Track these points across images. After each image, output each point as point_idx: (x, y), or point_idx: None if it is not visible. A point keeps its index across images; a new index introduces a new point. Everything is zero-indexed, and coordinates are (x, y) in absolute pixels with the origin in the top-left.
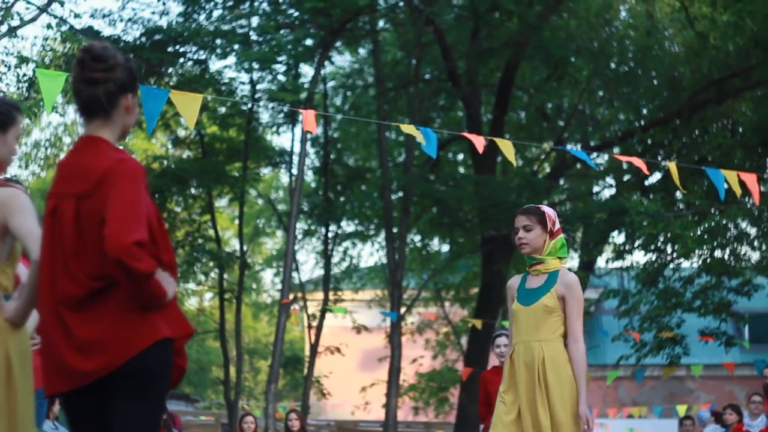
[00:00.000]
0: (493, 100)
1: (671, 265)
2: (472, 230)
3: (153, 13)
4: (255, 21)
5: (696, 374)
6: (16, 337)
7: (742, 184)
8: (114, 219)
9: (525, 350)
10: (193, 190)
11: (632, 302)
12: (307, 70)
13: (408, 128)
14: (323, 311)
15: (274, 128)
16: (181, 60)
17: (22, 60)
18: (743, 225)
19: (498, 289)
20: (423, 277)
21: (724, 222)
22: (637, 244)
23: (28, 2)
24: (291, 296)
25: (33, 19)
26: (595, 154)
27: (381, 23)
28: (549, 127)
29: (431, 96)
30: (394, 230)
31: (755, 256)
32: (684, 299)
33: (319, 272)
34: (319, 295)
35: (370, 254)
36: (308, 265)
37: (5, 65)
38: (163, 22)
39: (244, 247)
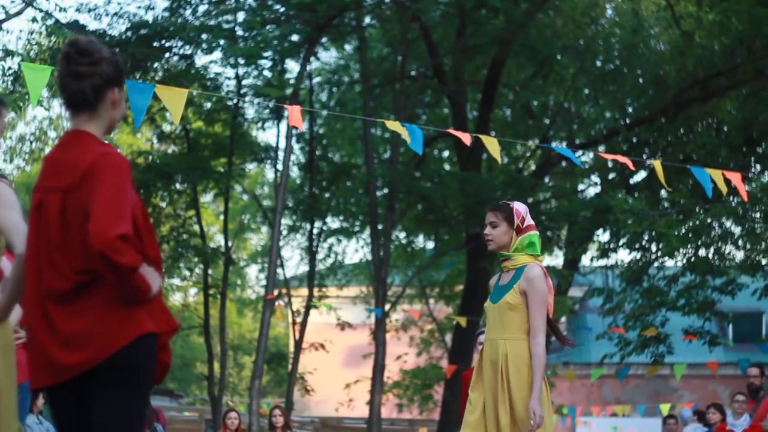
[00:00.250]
0: (479, 97)
1: (656, 264)
2: (457, 227)
3: (139, 7)
4: (241, 16)
5: (677, 377)
6: None
7: (727, 182)
8: (98, 212)
9: (491, 348)
10: (178, 186)
11: (617, 300)
12: (292, 66)
13: (393, 125)
14: (308, 307)
15: (260, 124)
16: (167, 55)
17: (8, 53)
18: (727, 224)
19: (483, 287)
20: (408, 274)
21: (708, 221)
22: (621, 242)
23: None
24: (276, 292)
25: (18, 13)
26: (580, 152)
27: (367, 19)
28: (534, 125)
29: (417, 93)
30: (379, 227)
31: (739, 255)
32: (668, 298)
33: (304, 268)
34: (304, 292)
35: (355, 251)
36: (293, 261)
37: None
38: (149, 17)
39: (229, 243)
